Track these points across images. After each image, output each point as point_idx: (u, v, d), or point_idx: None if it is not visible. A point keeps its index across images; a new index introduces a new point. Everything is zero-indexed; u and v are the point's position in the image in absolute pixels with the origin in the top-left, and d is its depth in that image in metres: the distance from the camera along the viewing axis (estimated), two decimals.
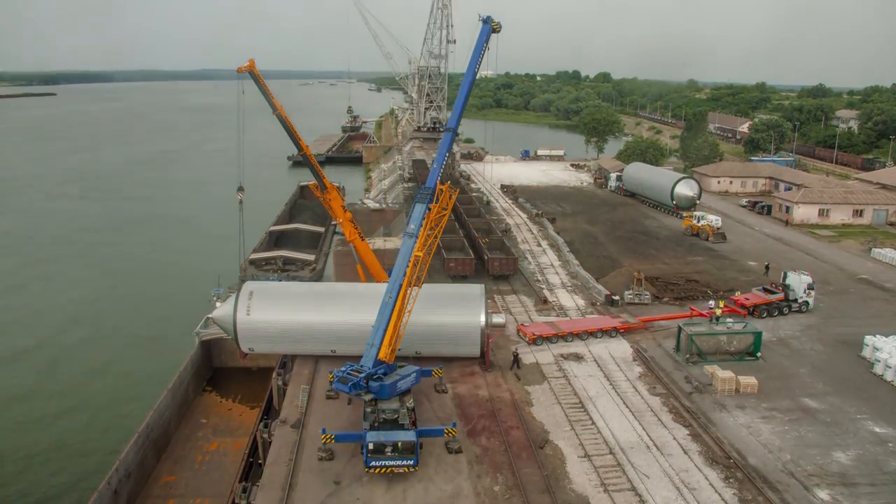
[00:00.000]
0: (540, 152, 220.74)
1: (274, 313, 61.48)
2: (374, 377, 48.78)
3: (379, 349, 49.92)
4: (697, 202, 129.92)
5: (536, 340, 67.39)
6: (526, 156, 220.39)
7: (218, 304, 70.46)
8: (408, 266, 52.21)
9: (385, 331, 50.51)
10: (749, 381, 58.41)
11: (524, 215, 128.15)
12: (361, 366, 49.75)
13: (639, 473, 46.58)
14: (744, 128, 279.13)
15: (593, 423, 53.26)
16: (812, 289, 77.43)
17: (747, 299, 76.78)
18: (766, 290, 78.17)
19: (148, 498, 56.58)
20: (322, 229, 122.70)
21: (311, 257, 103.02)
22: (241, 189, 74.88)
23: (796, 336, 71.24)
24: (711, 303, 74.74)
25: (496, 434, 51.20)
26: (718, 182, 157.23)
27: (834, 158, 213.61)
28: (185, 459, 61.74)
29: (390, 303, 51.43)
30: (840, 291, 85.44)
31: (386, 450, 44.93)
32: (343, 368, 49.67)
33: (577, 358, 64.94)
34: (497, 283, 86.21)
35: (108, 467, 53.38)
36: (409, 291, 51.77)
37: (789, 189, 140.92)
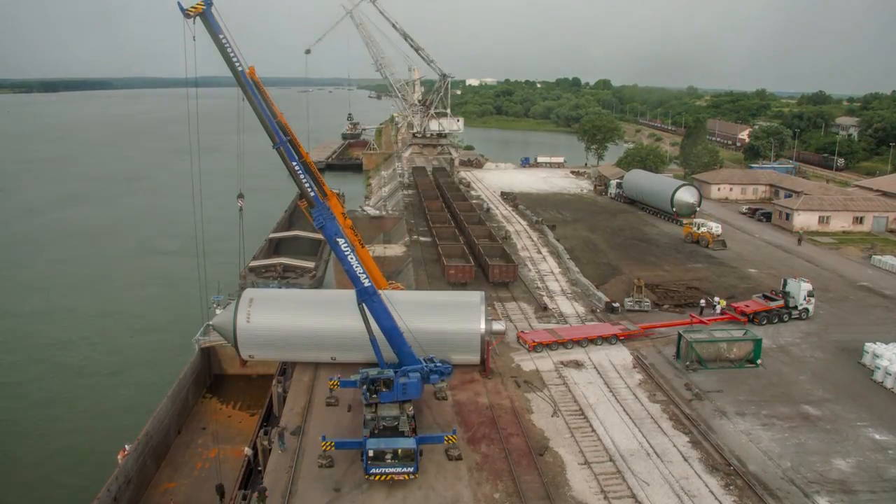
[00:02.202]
0: (540, 159, 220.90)
1: (274, 320, 61.52)
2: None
3: None
4: (697, 209, 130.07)
5: (536, 347, 67.37)
6: (526, 163, 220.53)
7: (218, 311, 70.55)
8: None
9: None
10: None
11: (524, 222, 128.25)
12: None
13: (639, 481, 46.54)
14: (744, 135, 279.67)
15: (593, 430, 53.23)
16: (812, 296, 77.44)
17: (747, 306, 76.79)
18: (765, 297, 78.17)
19: None
20: (322, 236, 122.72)
21: (311, 264, 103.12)
22: (241, 196, 74.97)
23: (796, 343, 71.23)
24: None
25: (496, 441, 51.19)
26: (718, 189, 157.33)
27: (834, 165, 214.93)
28: (184, 466, 61.68)
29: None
30: (840, 298, 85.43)
31: (386, 457, 44.93)
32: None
33: (577, 365, 64.91)
34: (497, 290, 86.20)
35: (107, 474, 53.30)
36: None
37: (789, 196, 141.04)
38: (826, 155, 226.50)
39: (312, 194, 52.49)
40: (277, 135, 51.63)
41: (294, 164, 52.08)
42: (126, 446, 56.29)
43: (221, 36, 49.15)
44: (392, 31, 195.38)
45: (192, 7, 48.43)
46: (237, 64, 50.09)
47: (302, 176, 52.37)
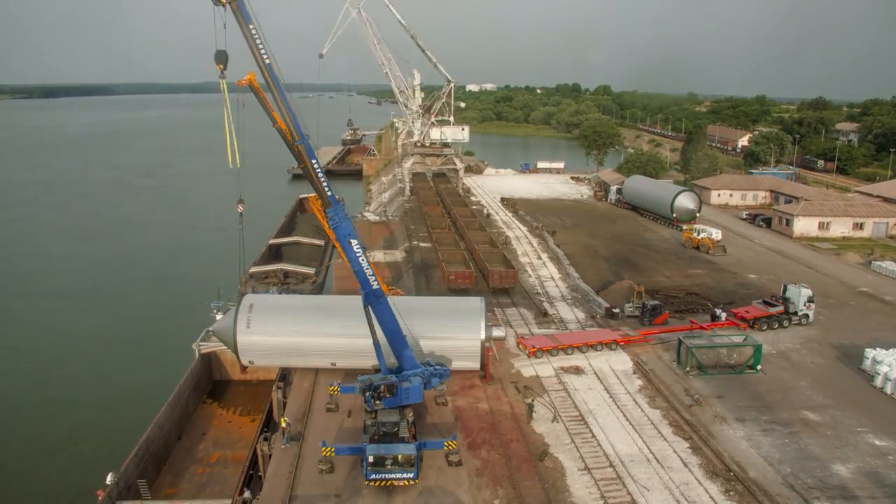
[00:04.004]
0: (540, 165, 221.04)
1: (274, 326, 61.57)
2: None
3: None
4: (697, 215, 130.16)
5: (537, 353, 67.37)
6: (526, 169, 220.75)
7: (218, 317, 70.54)
8: None
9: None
10: None
11: (524, 228, 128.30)
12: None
13: (639, 486, 46.55)
14: (744, 140, 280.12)
15: (593, 436, 53.24)
16: (812, 301, 77.42)
17: (747, 312, 76.79)
18: (766, 302, 78.18)
19: None
20: (322, 242, 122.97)
21: (311, 270, 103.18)
22: (241, 201, 75.07)
23: (796, 349, 71.23)
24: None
25: (496, 447, 51.19)
26: (718, 195, 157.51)
27: (835, 168, 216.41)
28: (185, 472, 61.62)
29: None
30: (840, 304, 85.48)
31: (386, 463, 44.95)
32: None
33: (578, 371, 64.92)
34: (497, 295, 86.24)
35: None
36: None
37: (789, 202, 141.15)
38: (809, 157, 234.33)
39: (329, 194, 51.63)
40: (299, 131, 50.40)
41: (314, 161, 50.93)
42: (109, 476, 52.62)
43: (252, 26, 48.00)
44: (391, 35, 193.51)
45: None
46: (265, 57, 48.58)
47: (320, 174, 51.31)
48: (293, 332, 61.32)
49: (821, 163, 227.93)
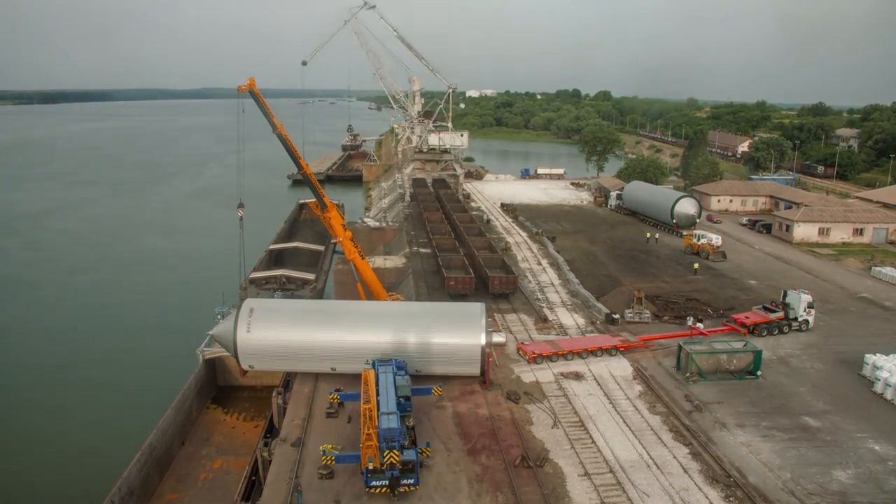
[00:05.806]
0: (540, 171, 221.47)
1: (274, 331, 61.66)
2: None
3: None
4: (697, 221, 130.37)
5: (537, 359, 67.44)
6: (526, 174, 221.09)
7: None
8: None
9: None
10: None
11: (524, 234, 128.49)
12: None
13: (639, 492, 46.60)
14: (744, 146, 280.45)
15: (593, 441, 53.31)
16: (812, 307, 77.58)
17: (747, 318, 76.92)
18: (766, 308, 78.28)
19: None
20: (322, 247, 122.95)
21: (312, 276, 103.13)
22: (241, 205, 75.30)
23: (796, 355, 71.33)
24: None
25: (496, 452, 51.25)
26: (718, 200, 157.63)
27: (835, 173, 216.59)
28: (188, 477, 61.68)
29: None
30: (840, 310, 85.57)
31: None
32: None
33: (578, 377, 64.99)
34: (497, 301, 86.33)
35: (110, 485, 53.31)
36: None
37: (789, 207, 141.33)
38: (809, 163, 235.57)
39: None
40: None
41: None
42: None
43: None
44: (391, 41, 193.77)
45: None
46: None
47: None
48: (293, 337, 61.40)
49: (821, 168, 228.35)
